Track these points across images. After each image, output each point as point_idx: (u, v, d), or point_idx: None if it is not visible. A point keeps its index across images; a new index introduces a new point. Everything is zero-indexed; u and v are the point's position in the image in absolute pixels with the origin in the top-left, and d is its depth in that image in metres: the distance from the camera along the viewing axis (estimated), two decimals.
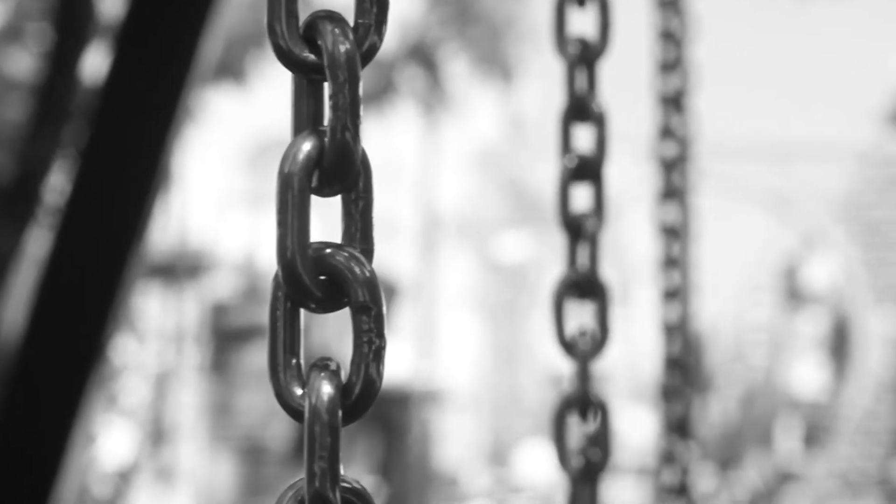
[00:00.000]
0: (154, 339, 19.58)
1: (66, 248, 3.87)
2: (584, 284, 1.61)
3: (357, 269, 0.84)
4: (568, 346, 1.60)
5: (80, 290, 3.87)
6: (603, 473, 1.58)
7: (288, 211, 0.83)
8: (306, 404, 0.83)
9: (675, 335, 2.36)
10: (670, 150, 2.36)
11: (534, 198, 29.32)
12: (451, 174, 32.39)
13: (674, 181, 2.39)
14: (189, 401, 20.30)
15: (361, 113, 0.83)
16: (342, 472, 0.83)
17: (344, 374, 0.84)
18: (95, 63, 4.50)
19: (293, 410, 0.84)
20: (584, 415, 1.60)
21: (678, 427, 2.33)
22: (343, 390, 0.83)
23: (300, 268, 0.83)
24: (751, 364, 50.56)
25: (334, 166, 0.84)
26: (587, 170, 1.62)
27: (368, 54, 0.86)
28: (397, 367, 29.39)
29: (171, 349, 19.80)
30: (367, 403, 0.84)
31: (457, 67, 29.83)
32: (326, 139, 0.84)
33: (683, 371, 2.32)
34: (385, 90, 29.03)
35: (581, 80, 1.62)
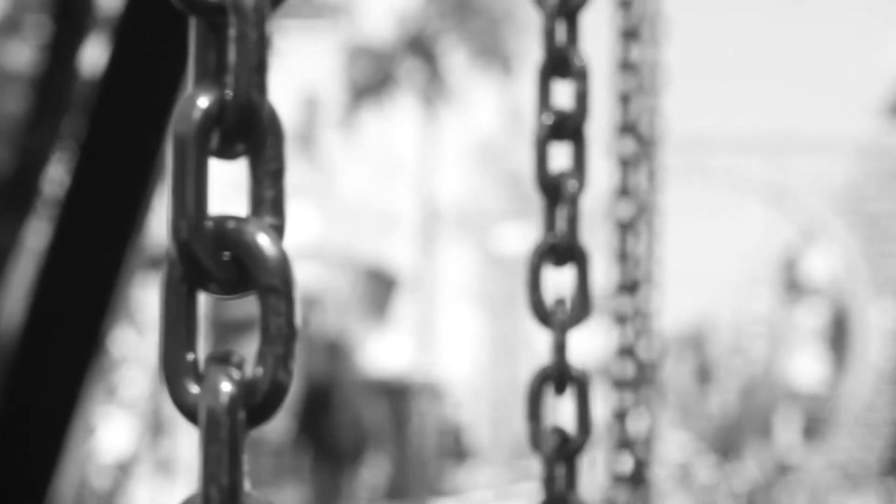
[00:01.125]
0: (153, 330, 19.57)
1: (65, 239, 3.87)
2: (563, 250, 1.48)
3: (264, 246, 0.71)
4: (545, 315, 1.48)
5: (79, 282, 3.87)
6: (581, 453, 1.46)
7: (182, 177, 0.71)
8: (202, 406, 0.70)
9: (626, 326, 2.34)
10: (627, 147, 2.35)
11: (533, 190, 29.28)
12: (451, 167, 32.38)
13: (630, 178, 2.38)
14: None
15: (269, 62, 0.72)
16: (245, 487, 0.71)
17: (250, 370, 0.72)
18: (94, 56, 4.50)
19: (189, 413, 0.71)
20: (561, 390, 1.48)
21: (624, 416, 2.32)
22: (247, 388, 0.71)
23: (196, 244, 0.71)
24: (750, 356, 50.60)
25: (237, 123, 0.72)
26: (567, 128, 1.50)
27: None
28: (397, 360, 29.38)
29: None
30: (276, 404, 0.71)
31: (456, 59, 29.81)
32: (227, 92, 0.72)
33: (635, 362, 2.31)
34: (384, 82, 29.02)
35: (561, 33, 1.49)
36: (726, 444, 42.49)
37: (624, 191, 2.29)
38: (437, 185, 31.19)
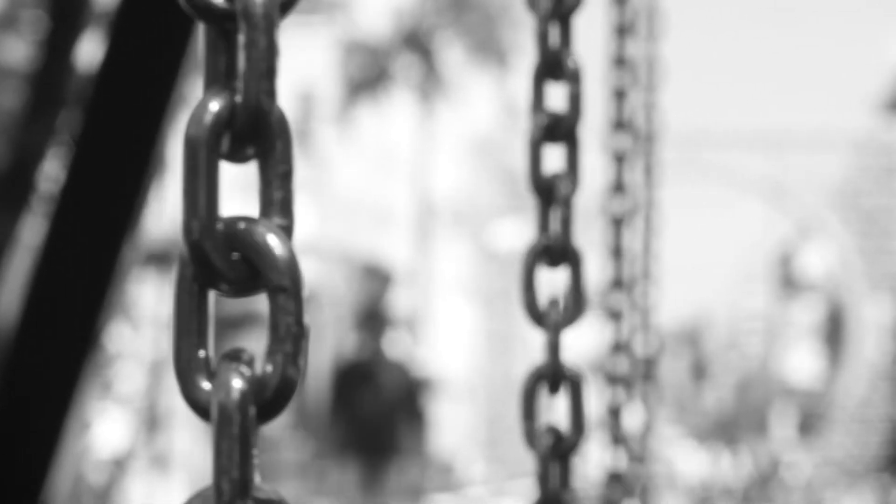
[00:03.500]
0: (149, 326, 19.57)
1: (60, 235, 3.86)
2: (557, 251, 1.50)
3: (274, 247, 0.74)
4: (539, 316, 1.49)
5: (74, 278, 3.87)
6: (575, 451, 1.48)
7: (194, 179, 0.73)
8: (213, 402, 0.73)
9: (620, 322, 2.36)
10: (622, 143, 2.36)
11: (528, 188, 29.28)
12: (446, 162, 32.39)
13: (625, 174, 2.38)
14: None
15: (278, 67, 0.75)
16: (256, 480, 0.73)
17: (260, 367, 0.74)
18: (90, 51, 4.50)
19: (201, 409, 0.74)
20: (555, 389, 1.50)
21: (616, 413, 2.33)
22: (257, 385, 0.73)
23: (208, 245, 0.74)
24: (746, 352, 50.64)
25: (247, 127, 0.75)
26: (560, 129, 1.51)
27: (288, 3, 0.76)
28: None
29: (165, 336, 19.78)
30: (285, 400, 0.74)
31: (452, 55, 29.81)
32: (238, 97, 0.74)
33: (628, 358, 2.32)
34: (380, 78, 29.00)
35: (554, 36, 1.51)
36: (722, 439, 42.52)
37: (618, 187, 2.30)
38: (432, 180, 31.19)
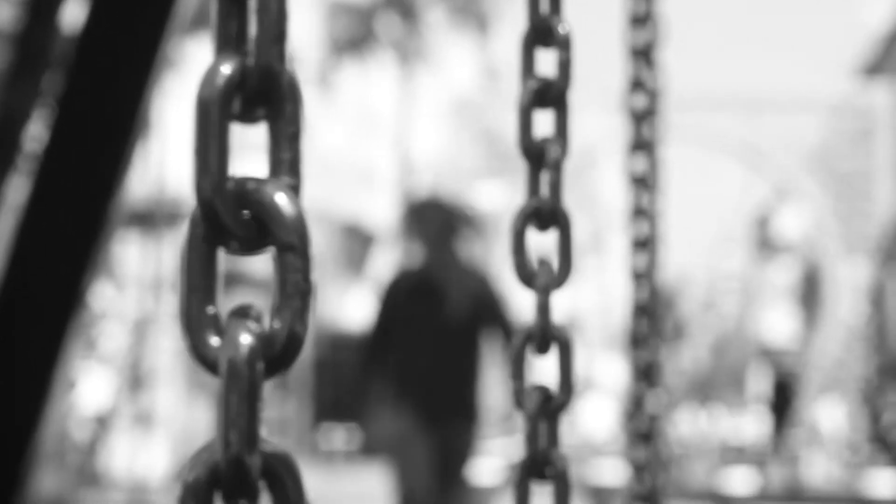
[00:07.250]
0: (133, 286, 19.54)
1: (44, 195, 3.88)
2: (546, 214, 1.50)
3: (283, 206, 0.75)
4: (528, 277, 1.50)
5: (59, 238, 3.88)
6: (563, 411, 1.49)
7: (206, 140, 0.74)
8: (222, 357, 0.73)
9: (643, 283, 2.38)
10: (640, 102, 2.40)
11: (510, 148, 29.29)
12: (427, 124, 32.32)
13: (643, 133, 2.42)
14: (167, 347, 20.30)
15: (288, 31, 0.75)
16: (263, 433, 0.74)
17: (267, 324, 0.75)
18: (74, 12, 4.52)
19: (209, 364, 0.75)
20: (544, 350, 1.50)
21: (645, 374, 2.37)
22: (265, 341, 0.74)
23: (219, 203, 0.74)
24: (723, 312, 50.78)
25: (258, 89, 0.75)
26: (550, 95, 1.51)
27: None
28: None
29: (149, 296, 19.78)
30: (293, 356, 0.75)
31: (434, 16, 29.71)
32: (249, 59, 0.75)
33: (651, 318, 2.36)
34: (364, 39, 28.90)
35: (544, 2, 1.51)
36: (698, 399, 42.69)
37: (637, 145, 2.34)
38: (414, 142, 31.14)
